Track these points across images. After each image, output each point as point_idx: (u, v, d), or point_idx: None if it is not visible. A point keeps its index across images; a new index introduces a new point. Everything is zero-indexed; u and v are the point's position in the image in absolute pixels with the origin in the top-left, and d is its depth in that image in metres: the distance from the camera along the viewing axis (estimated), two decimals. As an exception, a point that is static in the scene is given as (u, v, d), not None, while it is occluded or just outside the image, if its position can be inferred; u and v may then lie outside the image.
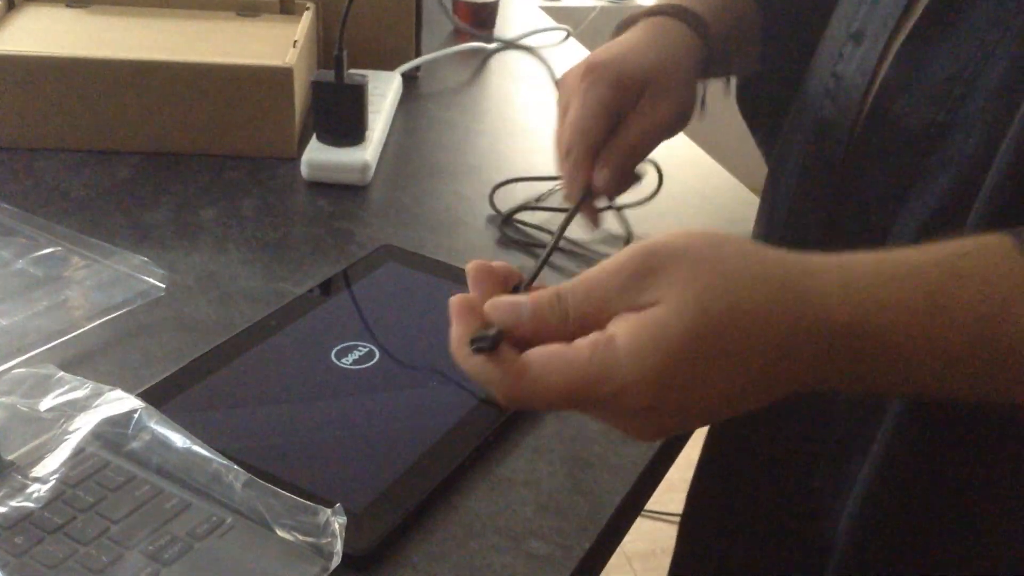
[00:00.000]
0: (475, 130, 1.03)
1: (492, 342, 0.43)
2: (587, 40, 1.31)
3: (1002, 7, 0.52)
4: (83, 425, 0.55)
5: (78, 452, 0.54)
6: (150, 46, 0.95)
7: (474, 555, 0.53)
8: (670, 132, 0.67)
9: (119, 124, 0.91)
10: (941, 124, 0.54)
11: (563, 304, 0.43)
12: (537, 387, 0.42)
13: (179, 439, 0.54)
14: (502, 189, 0.88)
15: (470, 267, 0.47)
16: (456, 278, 0.74)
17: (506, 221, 0.84)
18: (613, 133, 0.64)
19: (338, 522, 0.50)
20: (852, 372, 0.43)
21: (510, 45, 1.25)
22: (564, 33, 1.30)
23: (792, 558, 0.67)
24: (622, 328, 0.41)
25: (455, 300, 0.45)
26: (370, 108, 0.93)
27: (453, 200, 0.88)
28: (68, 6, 1.03)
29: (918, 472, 0.57)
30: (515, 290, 0.48)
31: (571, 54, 1.25)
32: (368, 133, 0.92)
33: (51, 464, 0.53)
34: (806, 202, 0.64)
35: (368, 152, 0.90)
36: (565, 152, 0.64)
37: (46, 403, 0.56)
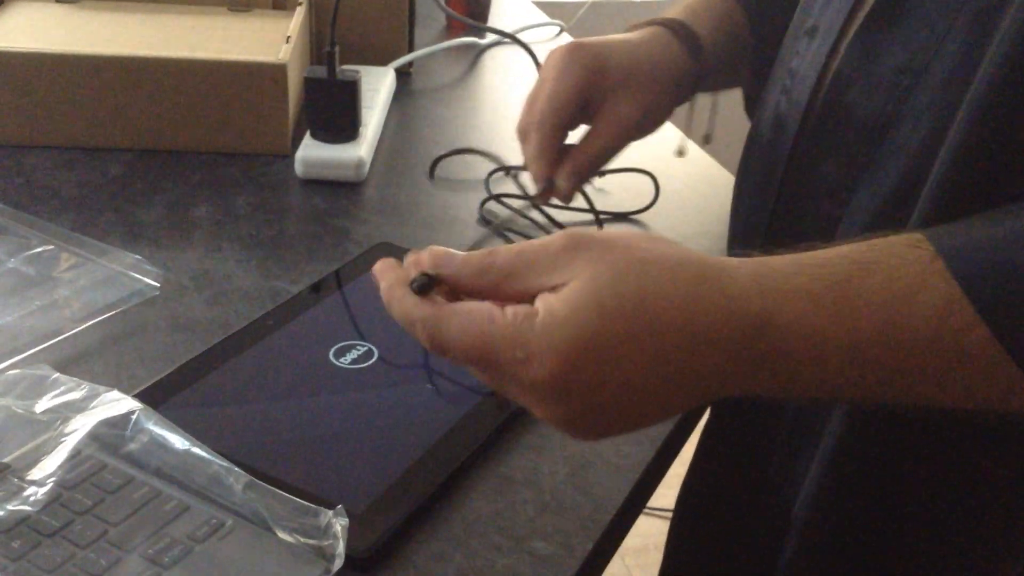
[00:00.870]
0: (470, 126, 1.03)
1: (426, 284, 0.46)
2: (579, 35, 1.30)
3: (947, 3, 0.52)
4: (80, 427, 0.54)
5: (75, 454, 0.53)
6: (142, 42, 0.94)
7: (476, 555, 0.52)
8: (633, 134, 0.70)
9: (111, 121, 0.90)
10: (890, 115, 0.54)
11: (492, 257, 0.45)
12: (456, 334, 0.44)
13: (178, 440, 0.53)
14: (496, 180, 0.88)
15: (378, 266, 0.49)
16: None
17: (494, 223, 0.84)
18: (581, 139, 0.69)
19: (340, 524, 0.49)
20: (770, 368, 0.43)
21: (502, 39, 1.25)
22: (557, 28, 1.30)
23: (757, 546, 0.68)
24: (543, 305, 0.43)
25: (380, 261, 0.48)
26: (364, 104, 0.92)
27: (449, 196, 0.88)
28: (58, 2, 1.02)
29: (864, 469, 0.58)
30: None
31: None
32: (362, 129, 0.91)
33: (48, 466, 0.52)
34: (763, 197, 0.65)
35: (362, 149, 0.89)
36: (534, 124, 0.67)
37: (42, 405, 0.56)
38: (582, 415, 0.44)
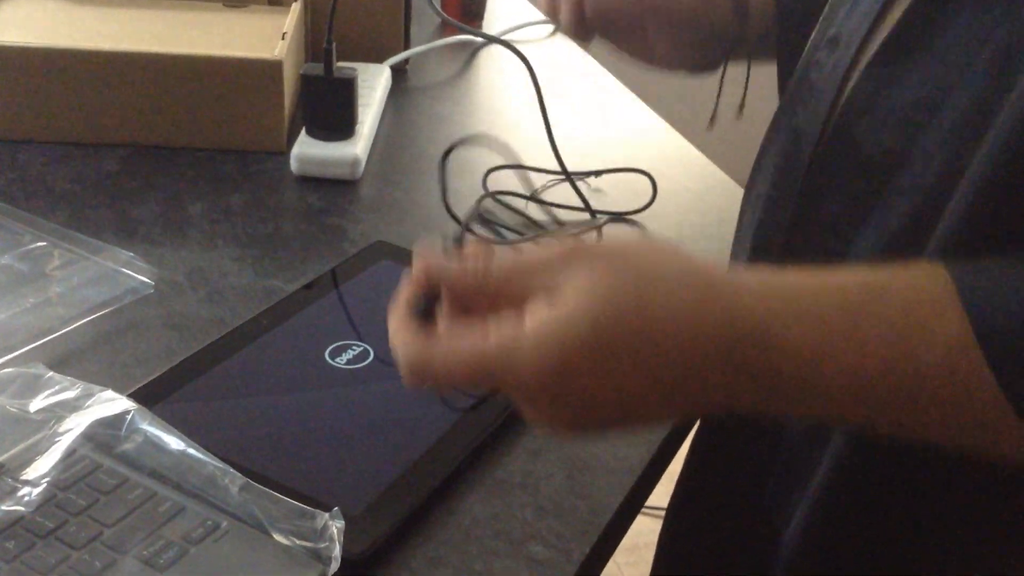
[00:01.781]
0: (466, 123, 1.02)
1: (427, 307, 0.45)
2: (576, 34, 1.30)
3: (971, 35, 0.50)
4: (74, 426, 0.54)
5: (69, 454, 0.53)
6: (137, 37, 0.94)
7: (473, 559, 0.52)
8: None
9: (106, 116, 0.89)
10: (900, 152, 0.52)
11: (489, 268, 0.44)
12: (441, 367, 0.43)
13: (173, 441, 0.53)
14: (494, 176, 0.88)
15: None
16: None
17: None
18: None
19: (336, 526, 0.49)
20: (768, 387, 0.42)
21: (496, 39, 1.24)
22: (552, 27, 1.29)
23: (746, 560, 0.67)
24: (533, 315, 0.42)
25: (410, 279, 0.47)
26: (360, 101, 0.92)
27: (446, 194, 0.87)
28: (51, -5, 1.02)
29: (859, 500, 0.57)
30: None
31: (558, 48, 1.24)
32: (358, 127, 0.91)
33: (42, 467, 0.52)
34: (772, 218, 0.63)
35: (358, 146, 0.89)
36: None
37: (36, 404, 0.55)
38: (572, 421, 0.44)
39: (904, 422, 0.43)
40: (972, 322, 0.41)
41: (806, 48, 0.65)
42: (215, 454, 0.52)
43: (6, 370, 0.58)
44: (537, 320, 0.42)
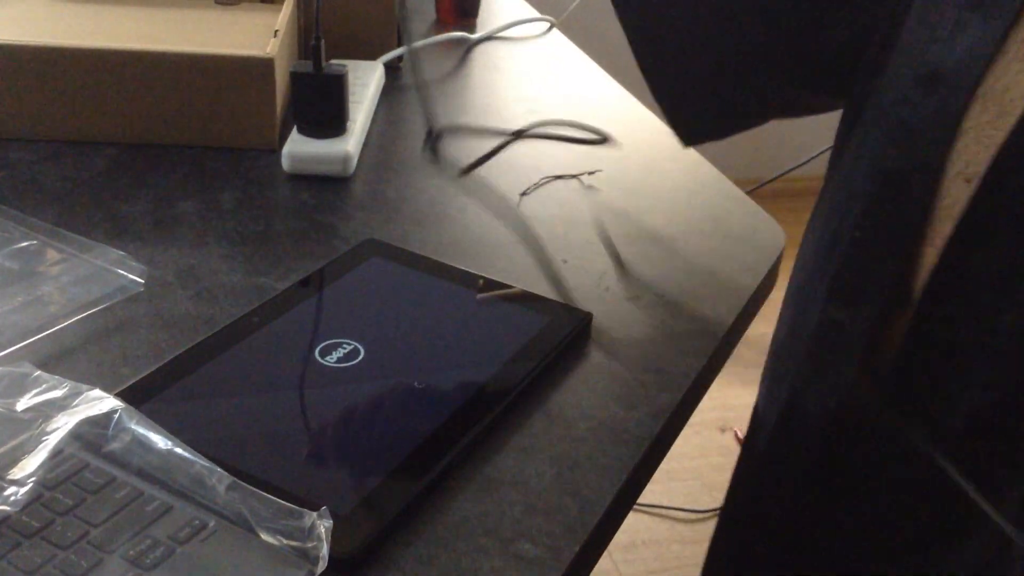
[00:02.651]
0: (459, 121, 1.02)
1: None
2: (569, 30, 1.30)
3: None
4: (62, 426, 0.53)
5: (56, 453, 0.52)
6: (128, 35, 0.94)
7: (462, 557, 0.52)
8: None
9: (96, 114, 0.89)
10: None
11: None
12: None
13: (160, 440, 0.53)
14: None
15: None
16: (442, 274, 0.73)
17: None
18: None
19: (324, 526, 0.49)
20: None
21: (492, 35, 1.24)
22: (548, 24, 1.29)
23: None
24: None
25: None
26: (352, 99, 0.92)
27: (437, 193, 0.87)
28: (43, -7, 1.01)
29: None
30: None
31: (554, 44, 1.24)
32: (350, 124, 0.91)
33: (29, 466, 0.51)
34: (863, 264, 0.58)
35: (350, 143, 0.89)
36: None
37: (23, 403, 0.55)
38: None
39: None
40: None
41: (884, 88, 0.60)
42: (203, 453, 0.52)
43: (-6, 369, 0.57)
44: None
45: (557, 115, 1.03)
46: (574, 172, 0.90)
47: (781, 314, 0.73)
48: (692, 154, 0.98)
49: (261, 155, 0.90)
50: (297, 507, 0.50)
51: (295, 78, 0.89)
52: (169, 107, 0.89)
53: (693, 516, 1.91)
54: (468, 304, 0.71)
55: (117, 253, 0.71)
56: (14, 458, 0.52)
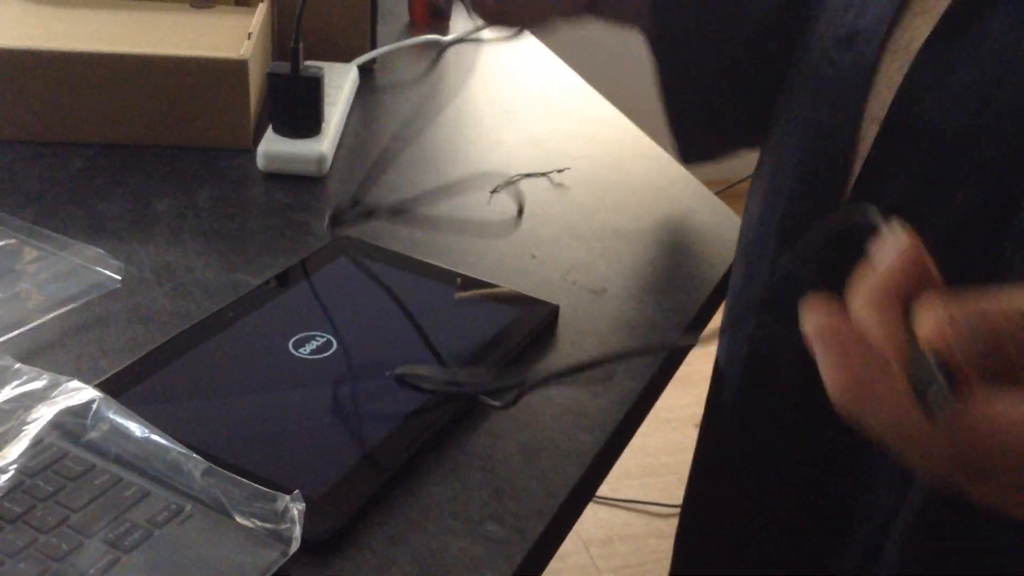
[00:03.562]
0: (431, 123, 1.04)
1: (947, 396, 0.33)
2: (546, 33, 1.32)
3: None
4: (42, 416, 0.55)
5: (37, 442, 0.54)
6: (103, 38, 0.95)
7: (432, 538, 0.54)
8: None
9: (73, 116, 0.90)
10: (970, 129, 0.51)
11: (997, 329, 0.34)
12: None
13: (137, 428, 0.54)
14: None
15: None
16: (412, 269, 0.75)
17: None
18: None
19: (296, 508, 0.51)
20: None
21: (465, 37, 1.26)
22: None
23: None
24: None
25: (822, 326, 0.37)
26: (326, 100, 0.93)
27: (408, 192, 0.89)
28: (19, -4, 1.02)
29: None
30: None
31: (526, 47, 1.26)
32: (324, 125, 0.92)
33: (10, 454, 0.53)
34: (802, 210, 0.63)
35: (324, 144, 0.90)
36: None
37: (4, 394, 0.56)
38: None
39: None
40: None
41: (802, 57, 0.66)
42: (180, 441, 0.54)
43: (-26, 362, 0.59)
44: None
45: (528, 116, 1.06)
46: (544, 170, 0.93)
47: (733, 271, 0.78)
48: (661, 154, 1.00)
49: (236, 155, 0.92)
50: (271, 491, 0.51)
51: (272, 79, 0.90)
52: (145, 108, 0.91)
53: (670, 511, 1.93)
54: (438, 298, 0.73)
55: (95, 250, 0.72)
56: (-5, 447, 0.54)
